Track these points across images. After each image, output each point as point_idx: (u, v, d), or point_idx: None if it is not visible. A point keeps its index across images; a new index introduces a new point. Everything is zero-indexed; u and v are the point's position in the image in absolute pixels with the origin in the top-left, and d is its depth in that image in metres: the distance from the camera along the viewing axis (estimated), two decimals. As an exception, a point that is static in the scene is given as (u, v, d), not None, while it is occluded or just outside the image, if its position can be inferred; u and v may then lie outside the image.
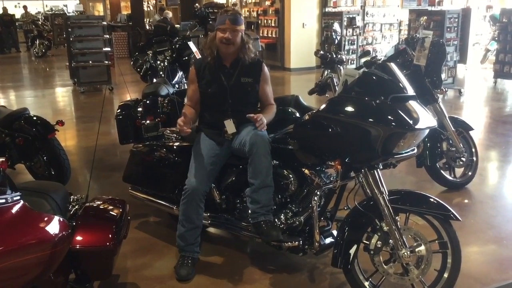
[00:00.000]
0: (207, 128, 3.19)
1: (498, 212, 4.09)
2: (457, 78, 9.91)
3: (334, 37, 4.20)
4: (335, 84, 2.96)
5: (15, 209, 1.52)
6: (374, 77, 2.60)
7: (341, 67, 3.87)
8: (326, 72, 3.77)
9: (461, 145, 4.42)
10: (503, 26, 9.94)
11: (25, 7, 22.11)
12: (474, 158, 4.59)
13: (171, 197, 3.48)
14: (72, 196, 2.59)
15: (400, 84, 2.60)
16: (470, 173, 4.59)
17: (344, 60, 3.91)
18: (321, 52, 3.94)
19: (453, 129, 4.35)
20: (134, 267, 3.28)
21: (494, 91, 9.86)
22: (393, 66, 2.72)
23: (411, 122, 2.45)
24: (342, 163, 2.68)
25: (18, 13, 22.76)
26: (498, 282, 3.04)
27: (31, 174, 4.71)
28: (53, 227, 1.66)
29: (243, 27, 3.12)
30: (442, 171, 4.50)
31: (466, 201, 4.40)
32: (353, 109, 2.52)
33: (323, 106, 2.62)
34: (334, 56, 3.86)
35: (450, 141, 4.41)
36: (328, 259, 3.26)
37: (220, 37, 3.06)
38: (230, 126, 3.05)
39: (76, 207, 2.56)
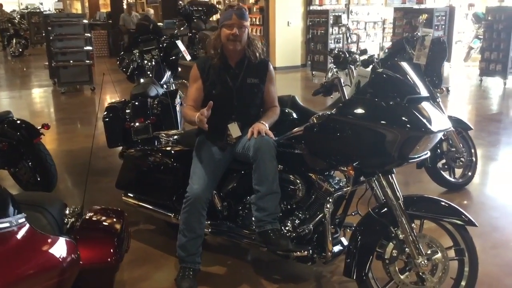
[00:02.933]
0: (208, 132, 3.02)
1: (501, 213, 4.02)
2: (443, 76, 9.89)
3: (348, 35, 4.06)
4: (342, 84, 2.85)
5: (20, 234, 1.34)
6: (388, 78, 2.47)
7: (353, 67, 3.75)
8: (331, 73, 3.64)
9: (461, 145, 4.35)
10: (489, 24, 9.97)
11: (0, 5, 21.49)
12: (474, 158, 4.52)
13: (168, 204, 3.31)
14: (67, 209, 2.39)
15: (414, 85, 2.49)
16: (470, 174, 4.52)
17: (358, 59, 3.79)
18: (335, 51, 3.81)
19: (452, 129, 4.26)
20: (131, 280, 3.10)
21: (480, 89, 9.88)
22: (405, 65, 2.61)
23: (428, 124, 2.33)
24: (354, 168, 2.55)
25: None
26: (512, 288, 2.96)
27: (15, 180, 4.48)
28: (62, 250, 1.48)
29: (248, 22, 2.96)
30: (442, 171, 4.42)
31: (466, 202, 4.32)
32: (368, 112, 2.39)
33: (336, 108, 2.48)
34: (348, 55, 3.74)
35: (450, 141, 4.33)
36: (335, 266, 3.15)
37: (226, 34, 2.88)
38: (234, 129, 2.89)
39: (72, 219, 2.37)
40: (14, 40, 16.79)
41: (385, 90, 2.42)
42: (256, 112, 3.04)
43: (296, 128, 2.86)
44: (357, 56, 3.81)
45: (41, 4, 25.64)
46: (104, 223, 2.37)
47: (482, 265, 3.13)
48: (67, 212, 2.39)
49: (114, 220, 2.42)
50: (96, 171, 5.19)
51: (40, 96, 10.17)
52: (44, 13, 16.49)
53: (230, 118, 2.93)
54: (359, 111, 2.41)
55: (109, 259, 2.16)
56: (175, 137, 3.44)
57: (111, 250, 2.17)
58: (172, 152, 3.29)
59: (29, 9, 22.94)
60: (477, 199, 4.36)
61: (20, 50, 16.84)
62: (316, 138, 2.63)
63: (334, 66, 3.85)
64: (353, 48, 12.08)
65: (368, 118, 2.38)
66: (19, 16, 20.54)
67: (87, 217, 2.37)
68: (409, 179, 4.72)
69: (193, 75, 3.04)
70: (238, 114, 2.96)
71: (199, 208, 2.86)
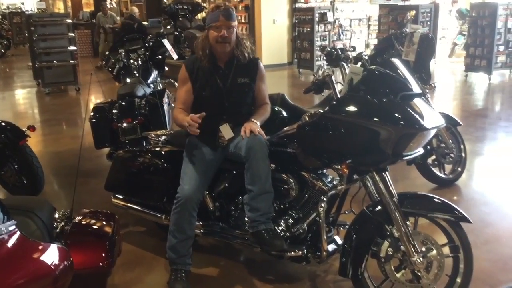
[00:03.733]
0: (199, 133, 2.97)
1: (492, 209, 4.03)
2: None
3: (340, 31, 4.04)
4: (334, 82, 2.82)
5: (11, 242, 1.28)
6: (380, 75, 2.45)
7: (345, 65, 3.72)
8: (321, 70, 3.61)
9: (450, 141, 4.36)
10: (473, 21, 10.04)
11: (-20, 6, 21.17)
12: (463, 154, 4.54)
13: (158, 205, 3.26)
14: (56, 213, 2.33)
15: (407, 81, 2.47)
16: (459, 169, 4.54)
17: (350, 57, 3.76)
18: (328, 48, 3.78)
19: (443, 125, 4.26)
20: (123, 284, 3.04)
21: (466, 85, 9.96)
22: (397, 62, 2.59)
23: (422, 121, 2.32)
24: (348, 166, 2.52)
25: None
26: (506, 283, 2.96)
27: (1, 184, 4.39)
28: (54, 258, 1.42)
29: (236, 22, 2.90)
30: (432, 168, 4.43)
31: (456, 198, 4.33)
32: (362, 109, 2.36)
33: (329, 106, 2.46)
34: (340, 53, 3.72)
35: (440, 137, 4.34)
36: (329, 265, 3.13)
37: (215, 36, 2.82)
38: (226, 131, 2.84)
39: (62, 224, 2.32)
40: (-5, 41, 16.55)
41: (378, 87, 2.39)
42: (248, 111, 3.00)
43: (289, 127, 2.83)
44: (349, 53, 3.79)
45: (23, 4, 25.28)
46: (95, 227, 2.32)
47: (475, 261, 3.13)
48: (56, 216, 2.34)
49: (105, 223, 2.38)
50: (84, 173, 5.11)
51: (24, 97, 10.01)
52: (26, 13, 16.26)
53: (221, 119, 2.89)
54: (352, 108, 2.39)
55: (101, 264, 2.12)
56: (164, 137, 3.38)
57: (103, 255, 2.14)
58: (162, 152, 3.24)
59: (10, 9, 22.62)
60: (467, 194, 4.38)
61: (2, 50, 16.61)
62: (309, 136, 2.60)
63: (326, 64, 3.82)
64: (339, 45, 12.11)
65: (362, 116, 2.35)
66: (0, 17, 20.19)
67: (77, 221, 2.32)
68: (397, 176, 4.71)
69: (182, 77, 2.99)
70: (229, 114, 2.91)
71: (189, 209, 2.81)
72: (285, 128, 2.86)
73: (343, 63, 3.76)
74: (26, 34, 12.03)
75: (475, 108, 7.89)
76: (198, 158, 2.88)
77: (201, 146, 2.91)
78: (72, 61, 9.82)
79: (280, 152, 2.84)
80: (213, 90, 2.90)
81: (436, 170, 4.45)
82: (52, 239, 2.13)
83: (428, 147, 4.32)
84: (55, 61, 9.67)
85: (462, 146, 4.52)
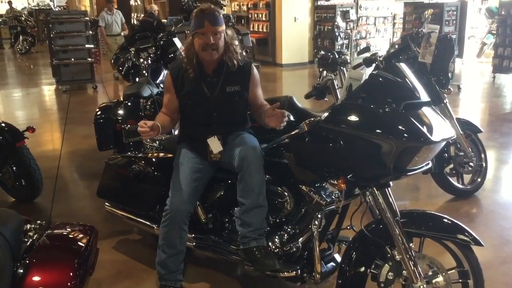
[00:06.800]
0: (189, 140, 2.78)
1: (513, 224, 3.74)
2: (454, 73, 9.55)
3: (337, 33, 3.81)
4: (336, 87, 2.60)
5: None
6: (383, 81, 2.21)
7: (345, 69, 3.48)
8: (324, 73, 3.38)
9: (470, 149, 4.06)
10: (502, 19, 9.59)
11: (9, 3, 21.45)
12: (483, 163, 4.24)
13: (151, 215, 3.09)
14: (28, 225, 2.17)
15: (413, 89, 2.23)
16: (479, 180, 4.24)
17: (348, 60, 3.51)
18: (322, 52, 3.55)
19: (461, 132, 3.98)
20: (109, 298, 2.89)
21: (493, 87, 9.52)
22: (403, 67, 2.34)
23: (427, 133, 2.07)
24: (346, 181, 2.29)
25: (3, 9, 22.12)
26: (523, 312, 2.69)
27: (1, 186, 4.29)
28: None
29: (224, 26, 2.65)
30: (449, 177, 4.14)
31: (475, 210, 4.05)
32: (360, 119, 2.13)
33: (325, 115, 2.23)
34: (337, 56, 3.47)
35: (458, 145, 4.05)
36: (330, 284, 2.91)
37: (200, 43, 2.60)
38: (215, 144, 2.64)
39: (35, 237, 2.16)
40: (21, 37, 16.74)
41: (379, 95, 2.16)
42: (241, 120, 2.80)
43: (285, 135, 2.61)
44: (347, 57, 3.53)
45: (52, 1, 25.64)
46: (66, 242, 2.15)
47: (489, 284, 2.86)
48: (29, 227, 2.18)
49: (79, 238, 2.20)
50: (89, 175, 5.00)
51: (42, 95, 10.03)
52: (49, 10, 16.42)
53: (210, 129, 2.70)
54: (350, 118, 2.15)
55: (68, 284, 1.95)
56: (159, 142, 3.21)
57: (71, 274, 1.96)
58: (154, 159, 3.06)
59: (39, 6, 22.96)
60: (487, 207, 4.07)
61: (27, 47, 16.80)
62: (303, 147, 2.38)
63: (322, 69, 3.59)
64: (363, 44, 11.79)
65: (360, 127, 2.12)
66: (27, 13, 20.48)
67: (49, 235, 2.15)
68: (419, 184, 4.44)
69: (166, 84, 2.83)
70: (218, 125, 2.71)
71: (179, 222, 2.63)
72: (283, 137, 2.65)
73: (341, 67, 3.50)
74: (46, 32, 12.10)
75: (501, 112, 7.50)
76: (188, 168, 2.68)
77: (192, 154, 2.72)
78: (89, 59, 9.78)
79: (276, 163, 2.63)
80: (200, 99, 2.70)
81: (453, 180, 4.17)
82: (17, 257, 1.97)
83: (446, 155, 4.04)
84: (73, 59, 9.65)
85: (482, 155, 4.22)
